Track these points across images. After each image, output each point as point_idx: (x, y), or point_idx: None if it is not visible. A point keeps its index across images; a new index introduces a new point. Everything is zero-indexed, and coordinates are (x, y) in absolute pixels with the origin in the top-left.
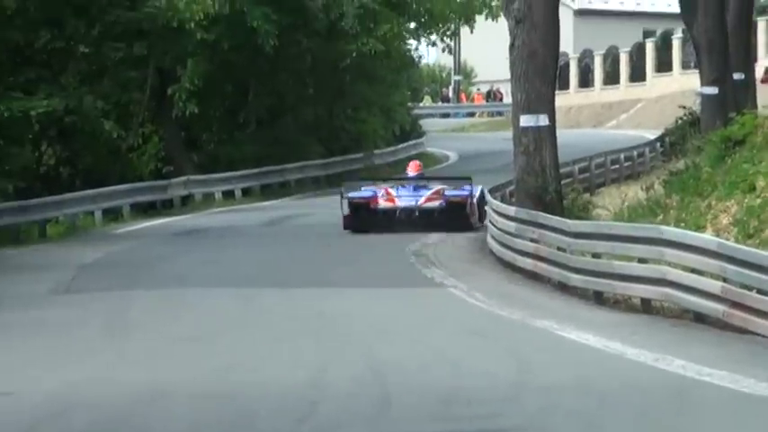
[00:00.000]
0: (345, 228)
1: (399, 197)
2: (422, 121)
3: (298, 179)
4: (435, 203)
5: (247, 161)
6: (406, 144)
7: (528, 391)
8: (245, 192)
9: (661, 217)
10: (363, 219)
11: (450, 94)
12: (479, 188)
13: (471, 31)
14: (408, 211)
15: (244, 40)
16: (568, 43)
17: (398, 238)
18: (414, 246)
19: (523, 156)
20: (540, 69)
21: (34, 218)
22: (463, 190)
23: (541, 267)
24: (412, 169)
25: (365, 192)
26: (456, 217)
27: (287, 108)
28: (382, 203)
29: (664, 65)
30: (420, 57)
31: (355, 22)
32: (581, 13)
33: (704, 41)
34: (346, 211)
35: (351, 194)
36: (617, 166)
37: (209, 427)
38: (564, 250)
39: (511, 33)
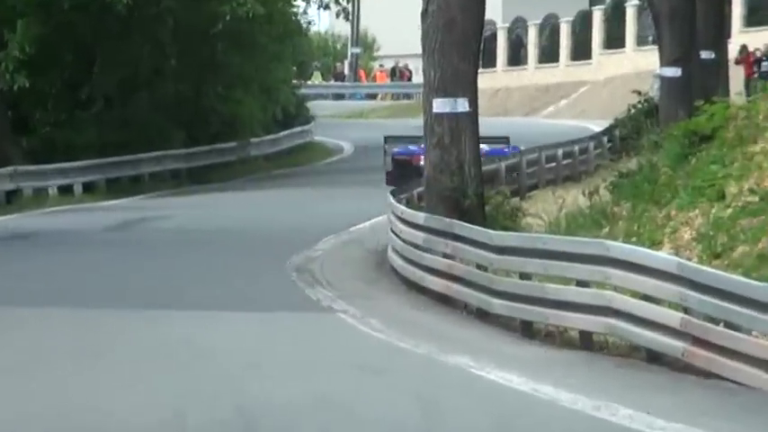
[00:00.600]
0: (387, 184)
1: None
2: (310, 104)
3: (154, 173)
4: None
5: (91, 149)
6: (289, 131)
7: None
8: (87, 187)
9: (607, 229)
10: (406, 176)
11: (347, 71)
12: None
13: None
14: None
15: None
16: (496, 10)
17: (278, 248)
18: (296, 258)
19: (436, 149)
20: (460, 42)
21: None
22: (502, 151)
23: (456, 289)
24: None
25: (409, 149)
26: None
27: (141, 83)
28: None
29: (614, 39)
30: (309, 23)
31: None
32: None
33: (665, 10)
34: (389, 167)
35: (395, 150)
36: (553, 164)
37: None
38: (485, 269)
39: None
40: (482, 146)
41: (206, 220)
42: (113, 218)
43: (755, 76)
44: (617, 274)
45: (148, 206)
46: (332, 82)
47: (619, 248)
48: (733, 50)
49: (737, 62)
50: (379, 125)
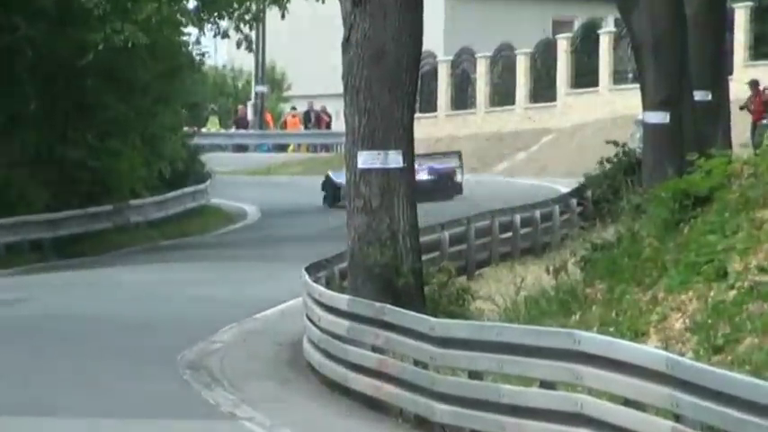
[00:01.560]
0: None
1: None
2: (205, 157)
3: (10, 243)
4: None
5: None
6: (179, 192)
7: None
8: None
9: (578, 316)
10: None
11: (250, 116)
12: None
13: (282, 17)
14: None
15: None
16: (436, 39)
17: (167, 339)
18: (190, 352)
19: (362, 214)
20: (391, 78)
21: None
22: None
23: (388, 391)
24: None
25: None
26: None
27: None
28: None
29: (585, 76)
30: (203, 55)
31: None
32: None
33: (649, 39)
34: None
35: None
36: (509, 234)
37: None
38: (425, 365)
39: (345, 22)
40: (431, 163)
41: (76, 305)
42: None
43: (765, 121)
44: (590, 373)
45: (2, 286)
46: (232, 130)
47: (592, 340)
48: (736, 90)
49: (743, 108)
50: (290, 185)
